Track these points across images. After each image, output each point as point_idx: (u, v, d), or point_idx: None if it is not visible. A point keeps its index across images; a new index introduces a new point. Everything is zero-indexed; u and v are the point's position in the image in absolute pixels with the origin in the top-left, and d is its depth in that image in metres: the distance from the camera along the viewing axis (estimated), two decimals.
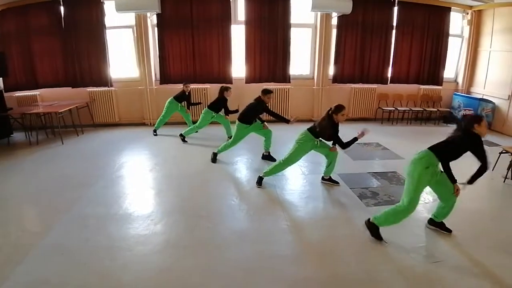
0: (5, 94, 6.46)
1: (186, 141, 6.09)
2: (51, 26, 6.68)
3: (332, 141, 3.99)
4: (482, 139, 2.81)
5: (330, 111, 3.77)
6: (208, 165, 4.94)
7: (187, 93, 6.37)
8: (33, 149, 5.81)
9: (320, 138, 4.00)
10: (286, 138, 5.63)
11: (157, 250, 2.89)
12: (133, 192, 4.07)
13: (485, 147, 2.77)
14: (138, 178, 4.53)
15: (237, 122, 4.84)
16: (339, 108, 3.73)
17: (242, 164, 5.05)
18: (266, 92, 4.73)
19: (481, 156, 2.78)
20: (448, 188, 2.94)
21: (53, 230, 3.19)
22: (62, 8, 6.61)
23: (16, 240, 3.04)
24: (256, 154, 5.29)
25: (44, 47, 6.79)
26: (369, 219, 3.07)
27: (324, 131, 3.86)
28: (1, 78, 6.55)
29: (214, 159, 5.05)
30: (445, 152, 2.85)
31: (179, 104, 6.40)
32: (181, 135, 6.13)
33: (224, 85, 5.80)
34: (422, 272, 2.63)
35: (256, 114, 4.87)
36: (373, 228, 3.03)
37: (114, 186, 4.24)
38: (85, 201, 3.81)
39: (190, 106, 6.67)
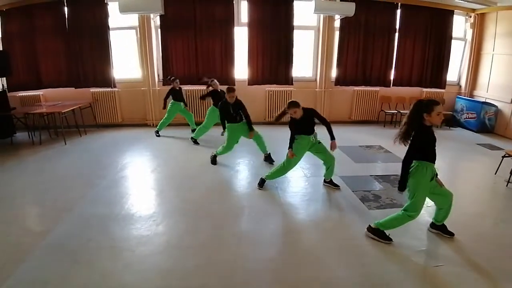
0: (9, 94, 6.50)
1: (198, 143, 6.02)
2: (55, 26, 6.72)
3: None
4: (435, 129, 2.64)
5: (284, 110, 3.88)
6: (209, 167, 4.94)
7: (177, 88, 6.31)
8: (36, 149, 5.84)
9: (319, 140, 4.02)
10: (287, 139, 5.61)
11: (159, 251, 2.90)
12: (135, 193, 4.09)
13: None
14: (140, 179, 4.54)
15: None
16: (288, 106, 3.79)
17: (244, 166, 5.05)
18: (229, 90, 4.65)
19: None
20: (442, 196, 2.97)
21: (55, 229, 3.20)
22: (66, 9, 6.65)
23: (19, 239, 3.05)
24: (258, 156, 5.28)
25: (48, 47, 6.83)
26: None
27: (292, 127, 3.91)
28: (5, 77, 6.60)
29: (214, 161, 5.03)
30: (416, 154, 2.86)
31: (181, 104, 6.41)
32: (192, 138, 6.08)
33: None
34: (423, 276, 2.62)
35: (225, 110, 4.70)
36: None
37: (117, 187, 4.26)
38: (88, 201, 3.83)
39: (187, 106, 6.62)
